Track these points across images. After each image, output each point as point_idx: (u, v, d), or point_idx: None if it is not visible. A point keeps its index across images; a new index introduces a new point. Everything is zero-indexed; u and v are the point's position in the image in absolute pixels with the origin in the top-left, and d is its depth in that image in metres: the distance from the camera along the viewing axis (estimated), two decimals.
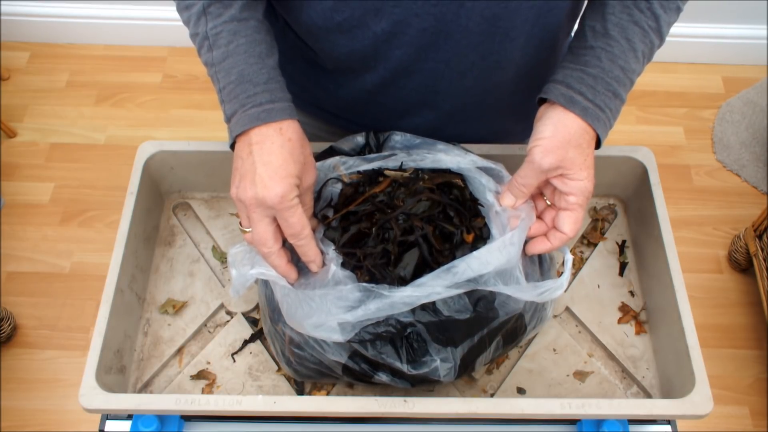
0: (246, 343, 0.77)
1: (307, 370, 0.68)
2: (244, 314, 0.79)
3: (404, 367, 0.63)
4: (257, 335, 0.78)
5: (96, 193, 1.82)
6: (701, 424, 1.46)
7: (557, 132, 0.62)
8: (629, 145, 0.82)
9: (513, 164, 0.69)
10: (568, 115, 0.63)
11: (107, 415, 0.72)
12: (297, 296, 0.63)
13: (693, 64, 2.07)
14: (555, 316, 0.80)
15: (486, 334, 0.65)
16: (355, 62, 0.72)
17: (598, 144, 0.65)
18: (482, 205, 0.69)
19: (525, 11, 0.65)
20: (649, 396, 0.74)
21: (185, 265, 0.83)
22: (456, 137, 0.78)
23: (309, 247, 0.63)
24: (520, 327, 0.68)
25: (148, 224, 0.83)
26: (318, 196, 0.70)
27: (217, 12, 0.63)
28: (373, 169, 0.70)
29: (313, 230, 0.65)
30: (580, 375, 0.76)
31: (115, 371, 0.72)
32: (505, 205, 0.66)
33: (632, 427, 0.71)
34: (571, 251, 0.69)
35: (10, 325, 1.56)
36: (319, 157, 0.71)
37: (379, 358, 0.63)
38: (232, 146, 0.65)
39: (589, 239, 0.85)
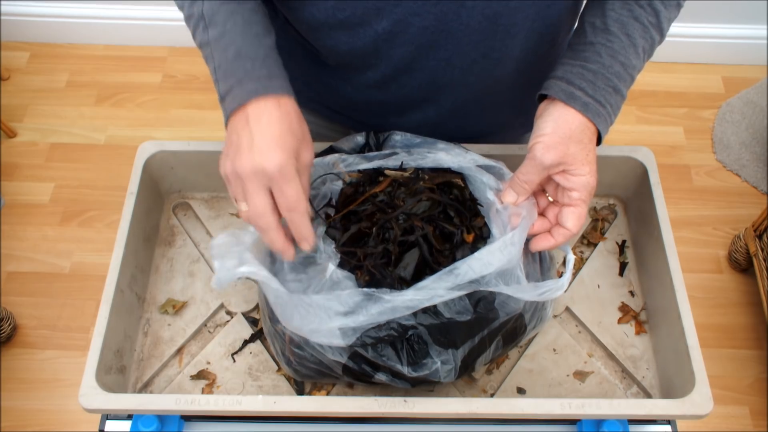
0: (246, 343, 0.77)
1: (307, 370, 0.68)
2: (244, 314, 0.79)
3: (405, 369, 0.63)
4: (257, 335, 0.78)
5: (96, 193, 1.82)
6: (701, 424, 1.46)
7: (558, 128, 0.62)
8: (629, 145, 0.82)
9: (513, 163, 0.69)
10: (569, 110, 0.62)
11: (107, 415, 0.72)
12: (292, 300, 0.62)
13: (693, 64, 2.06)
14: (555, 316, 0.80)
15: (486, 335, 0.65)
16: (357, 59, 0.72)
17: (599, 140, 0.65)
18: (482, 205, 0.69)
19: (525, 8, 0.65)
20: (649, 396, 0.74)
21: (185, 265, 0.83)
22: (457, 132, 0.78)
23: (303, 223, 0.60)
24: (520, 327, 0.68)
25: (148, 224, 0.83)
26: (316, 193, 0.70)
27: None
28: (373, 169, 0.70)
29: (311, 219, 0.64)
30: (580, 375, 0.76)
31: (115, 371, 0.72)
32: (507, 202, 0.66)
33: (632, 427, 0.71)
34: (571, 251, 0.68)
35: (10, 325, 1.56)
36: (319, 156, 0.71)
37: (380, 360, 0.63)
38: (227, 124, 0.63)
39: (589, 239, 0.85)
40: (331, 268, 0.62)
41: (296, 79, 0.76)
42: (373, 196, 0.68)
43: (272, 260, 0.69)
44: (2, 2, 2.01)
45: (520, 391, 0.75)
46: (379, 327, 0.62)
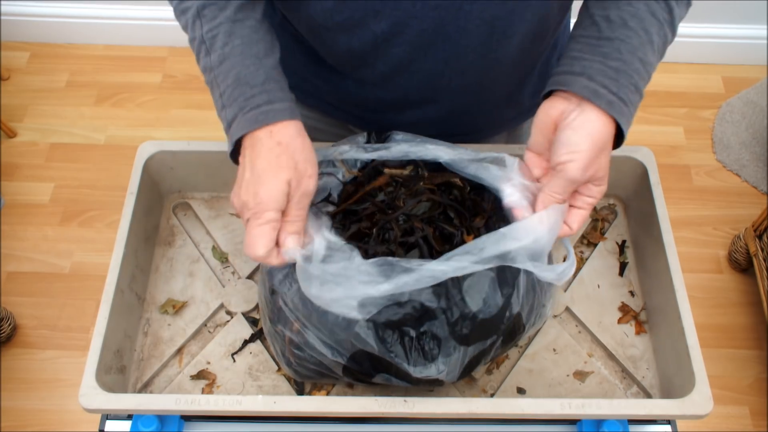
0: (246, 343, 0.77)
1: (307, 370, 0.68)
2: (244, 314, 0.79)
3: (410, 369, 0.62)
4: (257, 335, 0.78)
5: (96, 193, 1.82)
6: (701, 424, 1.46)
7: (594, 144, 0.59)
8: (629, 145, 0.81)
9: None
10: (601, 118, 0.60)
11: (107, 415, 0.72)
12: (313, 268, 0.60)
13: (693, 64, 2.06)
14: (555, 316, 0.80)
15: (496, 336, 0.65)
16: (355, 59, 0.72)
17: (619, 141, 0.63)
18: (492, 195, 0.67)
19: (522, 10, 0.64)
20: (649, 396, 0.74)
21: (185, 265, 0.83)
22: (454, 129, 0.78)
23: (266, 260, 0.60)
24: (518, 326, 0.68)
25: (148, 224, 0.83)
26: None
27: (212, 14, 0.62)
28: (373, 168, 0.70)
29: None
30: (580, 375, 0.76)
31: (115, 371, 0.72)
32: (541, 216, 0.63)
33: (632, 427, 0.71)
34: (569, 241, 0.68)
35: (10, 325, 1.56)
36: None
37: (387, 356, 0.62)
38: (232, 154, 0.63)
39: (589, 239, 0.85)
40: (325, 238, 0.61)
41: (294, 74, 0.76)
42: (372, 195, 0.68)
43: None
44: (2, 2, 2.01)
45: (520, 391, 0.75)
46: (398, 305, 0.60)
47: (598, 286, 0.82)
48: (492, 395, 0.75)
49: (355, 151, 0.70)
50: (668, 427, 0.72)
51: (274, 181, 0.58)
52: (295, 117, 0.62)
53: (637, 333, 0.78)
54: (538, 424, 0.73)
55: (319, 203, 0.69)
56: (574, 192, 0.64)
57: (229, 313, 0.80)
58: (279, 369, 0.76)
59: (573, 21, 0.70)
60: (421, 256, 0.64)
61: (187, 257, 0.84)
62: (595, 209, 0.88)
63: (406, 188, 0.68)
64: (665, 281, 0.73)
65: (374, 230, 0.66)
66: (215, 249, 0.85)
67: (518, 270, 0.64)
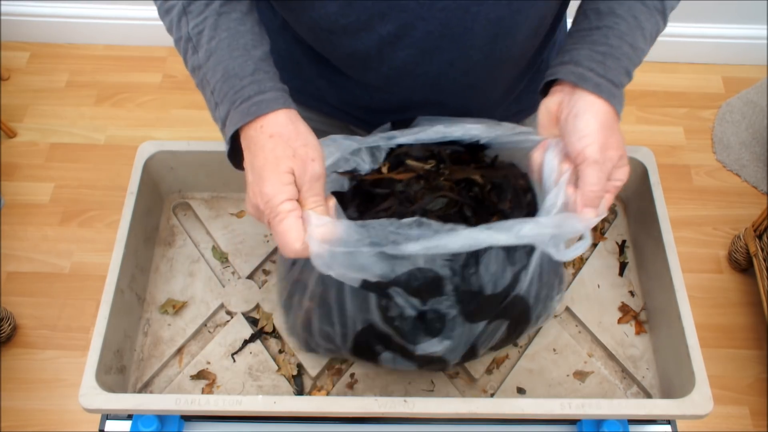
0: (246, 343, 0.77)
1: (317, 345, 0.68)
2: (244, 314, 0.79)
3: (415, 347, 0.62)
4: (257, 335, 0.78)
5: (96, 193, 1.82)
6: (701, 424, 1.45)
7: (601, 124, 0.59)
8: (629, 145, 0.81)
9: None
10: (597, 100, 0.60)
11: (107, 415, 0.72)
12: (342, 224, 0.58)
13: (693, 64, 2.06)
14: (555, 316, 0.80)
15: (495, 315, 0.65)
16: (358, 62, 0.72)
17: None
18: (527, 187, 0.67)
19: (526, 9, 0.65)
20: (649, 396, 0.74)
21: (185, 265, 0.83)
22: None
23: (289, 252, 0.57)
24: (524, 313, 0.67)
25: (148, 224, 0.83)
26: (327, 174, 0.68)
27: (198, 10, 0.60)
28: (396, 156, 0.69)
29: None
30: (580, 375, 0.76)
31: (115, 371, 0.72)
32: (589, 219, 0.60)
33: (632, 427, 0.71)
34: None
35: (10, 325, 1.56)
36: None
37: (392, 331, 0.62)
38: (230, 155, 0.61)
39: None
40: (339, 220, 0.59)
41: (295, 76, 0.76)
42: (391, 185, 0.67)
43: None
44: (2, 2, 2.01)
45: (520, 391, 0.75)
46: (417, 272, 0.60)
47: (598, 286, 0.82)
48: (492, 395, 0.75)
49: (387, 137, 0.67)
50: (668, 427, 0.72)
51: (274, 174, 0.56)
52: (287, 105, 0.60)
53: (637, 333, 0.78)
54: (538, 424, 0.73)
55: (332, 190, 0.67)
56: None
57: (229, 313, 0.80)
58: (279, 369, 0.76)
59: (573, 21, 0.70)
60: None
61: (187, 257, 0.84)
62: None
63: (426, 181, 0.68)
64: (665, 281, 0.73)
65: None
66: (215, 249, 0.85)
67: (531, 250, 0.64)
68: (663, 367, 0.75)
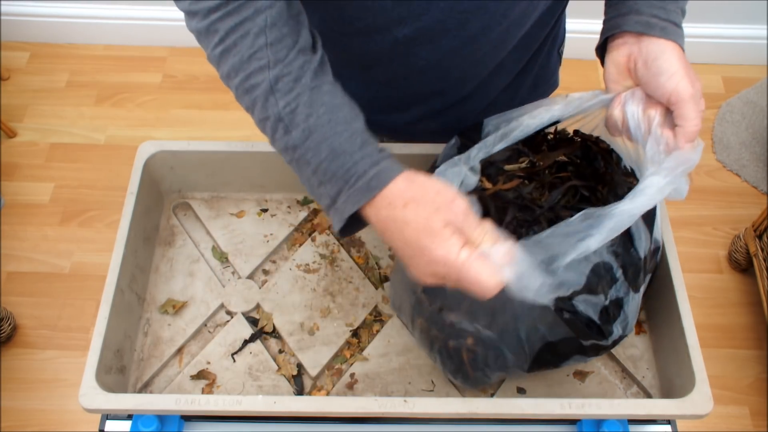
0: (246, 343, 0.77)
1: (486, 376, 0.68)
2: (244, 314, 0.79)
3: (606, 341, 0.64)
4: (257, 335, 0.78)
5: (96, 193, 1.82)
6: (701, 424, 1.45)
7: (681, 60, 0.59)
8: None
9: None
10: (666, 41, 0.60)
11: (107, 415, 0.72)
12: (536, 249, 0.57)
13: (693, 64, 2.03)
14: None
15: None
16: (367, 60, 0.71)
17: None
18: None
19: (541, 5, 0.66)
20: (649, 396, 0.74)
21: (185, 265, 0.83)
22: (458, 117, 0.78)
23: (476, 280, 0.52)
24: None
25: (148, 224, 0.83)
26: None
27: (288, 87, 0.55)
28: (484, 166, 0.68)
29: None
30: (580, 375, 0.76)
31: (115, 371, 0.72)
32: (698, 149, 0.60)
33: (632, 427, 0.71)
34: None
35: (10, 325, 1.56)
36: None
37: (582, 334, 0.62)
38: (342, 230, 0.57)
39: None
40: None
41: None
42: (501, 197, 0.67)
43: None
44: (2, 2, 2.01)
45: (520, 391, 0.75)
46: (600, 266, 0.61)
47: None
48: (492, 395, 0.75)
49: (483, 147, 0.65)
50: (668, 427, 0.72)
51: (435, 237, 0.52)
52: (403, 168, 0.56)
53: (637, 333, 0.78)
54: (538, 424, 0.73)
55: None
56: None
57: (229, 313, 0.80)
58: (279, 369, 0.76)
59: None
60: None
61: (187, 257, 0.84)
62: None
63: (531, 180, 0.67)
64: (665, 281, 0.73)
65: (523, 230, 0.64)
66: (215, 249, 0.85)
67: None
68: (663, 367, 0.75)
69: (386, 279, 0.82)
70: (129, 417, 0.71)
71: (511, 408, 0.64)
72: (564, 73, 0.95)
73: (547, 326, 0.63)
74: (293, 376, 0.75)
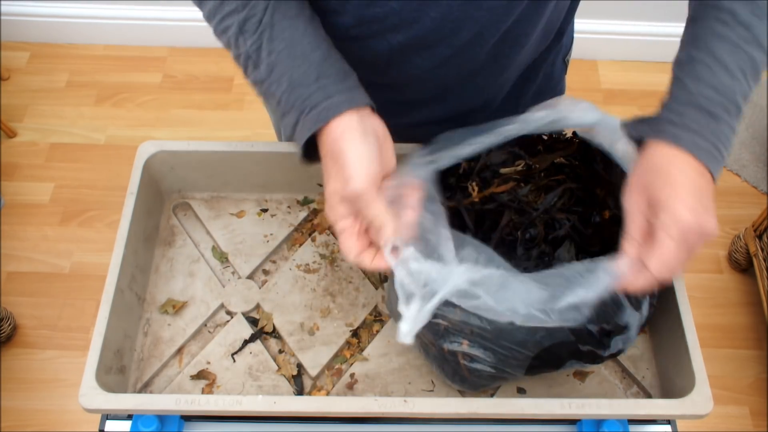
0: (246, 343, 0.77)
1: (483, 379, 0.68)
2: (244, 314, 0.79)
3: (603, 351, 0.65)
4: (257, 335, 0.78)
5: (96, 193, 1.82)
6: (701, 424, 1.46)
7: (697, 193, 0.56)
8: None
9: None
10: (697, 165, 0.57)
11: (107, 415, 0.72)
12: (505, 275, 0.57)
13: None
14: None
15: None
16: (368, 66, 0.71)
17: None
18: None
19: (536, 17, 0.66)
20: (649, 396, 0.74)
21: (185, 265, 0.83)
22: (462, 125, 0.78)
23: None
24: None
25: (148, 224, 0.83)
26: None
27: (253, 27, 0.60)
28: (479, 170, 0.69)
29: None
30: (580, 375, 0.76)
31: (115, 371, 0.72)
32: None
33: (632, 427, 0.71)
34: None
35: (10, 325, 1.56)
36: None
37: (581, 341, 0.63)
38: (305, 155, 0.62)
39: None
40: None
41: None
42: (493, 199, 0.67)
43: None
44: (2, 2, 2.01)
45: (520, 391, 0.75)
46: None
47: None
48: (492, 395, 0.75)
49: (448, 155, 0.66)
50: (668, 427, 0.72)
51: (329, 199, 0.58)
52: (360, 102, 0.60)
53: (637, 333, 0.78)
54: (538, 424, 0.73)
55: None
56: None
57: (229, 313, 0.80)
58: (279, 369, 0.76)
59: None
60: (575, 247, 0.65)
61: (187, 257, 0.84)
62: None
63: (526, 183, 0.67)
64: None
65: (518, 234, 0.65)
66: (215, 249, 0.85)
67: None
68: (663, 367, 0.75)
69: (386, 279, 0.82)
70: (129, 417, 0.72)
71: (511, 408, 0.64)
72: None
73: (544, 330, 0.63)
74: (293, 376, 0.75)
